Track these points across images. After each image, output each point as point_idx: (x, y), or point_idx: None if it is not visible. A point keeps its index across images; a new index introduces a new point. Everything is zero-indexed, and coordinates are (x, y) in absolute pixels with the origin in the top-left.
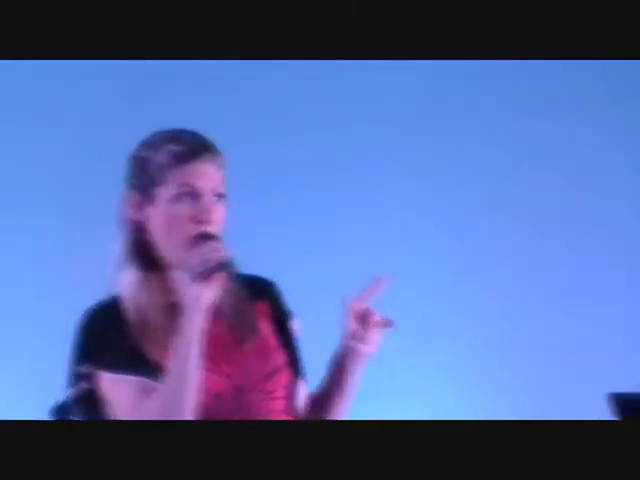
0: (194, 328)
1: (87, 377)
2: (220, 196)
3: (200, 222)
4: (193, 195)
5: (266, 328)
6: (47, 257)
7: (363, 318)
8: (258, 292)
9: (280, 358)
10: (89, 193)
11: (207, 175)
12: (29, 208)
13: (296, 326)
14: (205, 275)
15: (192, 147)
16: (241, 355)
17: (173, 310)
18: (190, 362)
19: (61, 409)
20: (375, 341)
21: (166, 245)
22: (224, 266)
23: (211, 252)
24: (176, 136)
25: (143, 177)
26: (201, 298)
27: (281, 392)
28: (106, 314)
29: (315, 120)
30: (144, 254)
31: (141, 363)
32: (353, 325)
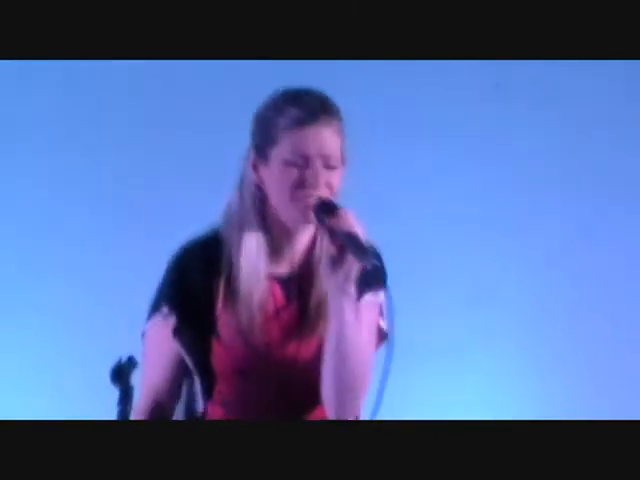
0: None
1: None
2: (332, 162)
3: (308, 187)
4: (303, 160)
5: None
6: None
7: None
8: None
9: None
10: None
11: (320, 141)
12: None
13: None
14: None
15: (310, 111)
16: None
17: (280, 285)
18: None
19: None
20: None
21: (278, 208)
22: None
23: (350, 225)
24: (298, 97)
25: (262, 137)
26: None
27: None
28: (202, 259)
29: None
30: (259, 215)
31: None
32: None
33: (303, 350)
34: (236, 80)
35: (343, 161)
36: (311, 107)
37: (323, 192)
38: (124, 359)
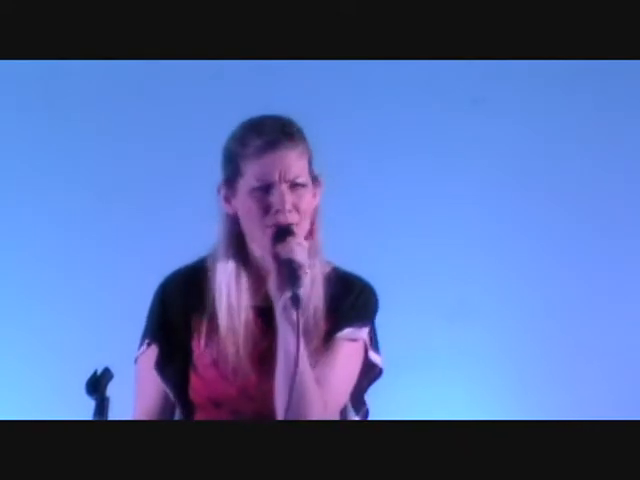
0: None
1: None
2: (298, 183)
3: (275, 213)
4: (267, 186)
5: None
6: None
7: None
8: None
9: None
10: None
11: (282, 165)
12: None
13: (377, 361)
14: (294, 298)
15: (270, 137)
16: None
17: (255, 314)
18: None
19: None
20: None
21: (251, 239)
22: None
23: (289, 252)
24: (259, 126)
25: (228, 169)
26: (288, 310)
27: None
28: (181, 294)
29: (316, 120)
30: (237, 247)
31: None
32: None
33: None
34: (235, 80)
35: (314, 179)
36: (271, 133)
37: (291, 216)
38: (100, 371)
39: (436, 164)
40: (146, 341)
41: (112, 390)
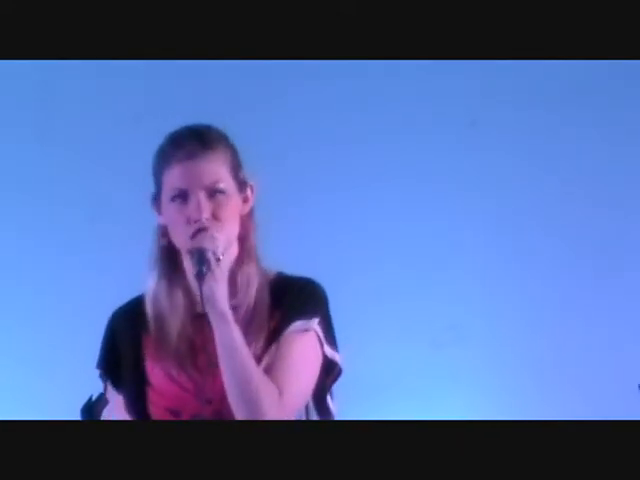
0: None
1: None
2: (217, 191)
3: (194, 222)
4: (183, 196)
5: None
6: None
7: None
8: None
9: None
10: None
11: (198, 173)
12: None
13: (335, 358)
14: (199, 273)
15: (188, 147)
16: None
17: (196, 322)
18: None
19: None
20: None
21: (178, 247)
22: (204, 254)
23: (197, 243)
24: (177, 137)
25: (154, 184)
26: (212, 300)
27: None
28: (127, 319)
29: (318, 119)
30: (168, 259)
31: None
32: None
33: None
34: (234, 80)
35: (241, 185)
36: (188, 143)
37: (209, 223)
38: (95, 397)
39: (426, 186)
40: (99, 371)
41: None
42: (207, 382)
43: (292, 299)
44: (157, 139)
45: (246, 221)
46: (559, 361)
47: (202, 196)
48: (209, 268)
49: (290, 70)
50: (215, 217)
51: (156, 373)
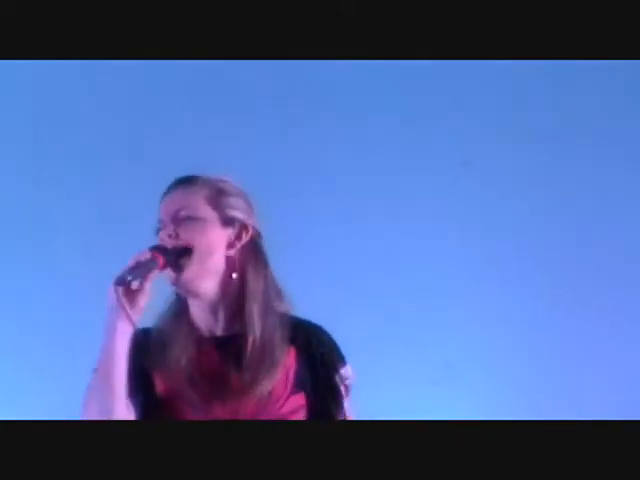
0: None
1: None
2: (187, 217)
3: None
4: (161, 225)
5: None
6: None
7: None
8: (294, 335)
9: (287, 407)
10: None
11: (170, 204)
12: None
13: (346, 373)
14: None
15: (169, 187)
16: (239, 403)
17: (195, 344)
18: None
19: None
20: None
21: None
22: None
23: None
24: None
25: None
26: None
27: None
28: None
29: (317, 119)
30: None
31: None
32: None
33: (242, 408)
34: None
35: (225, 219)
36: (172, 185)
37: (171, 242)
38: None
39: (423, 220)
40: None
41: None
42: (216, 408)
43: (318, 342)
44: (157, 139)
45: (245, 261)
46: (558, 367)
47: (168, 219)
48: (131, 272)
49: (290, 70)
50: (179, 237)
51: (167, 398)
